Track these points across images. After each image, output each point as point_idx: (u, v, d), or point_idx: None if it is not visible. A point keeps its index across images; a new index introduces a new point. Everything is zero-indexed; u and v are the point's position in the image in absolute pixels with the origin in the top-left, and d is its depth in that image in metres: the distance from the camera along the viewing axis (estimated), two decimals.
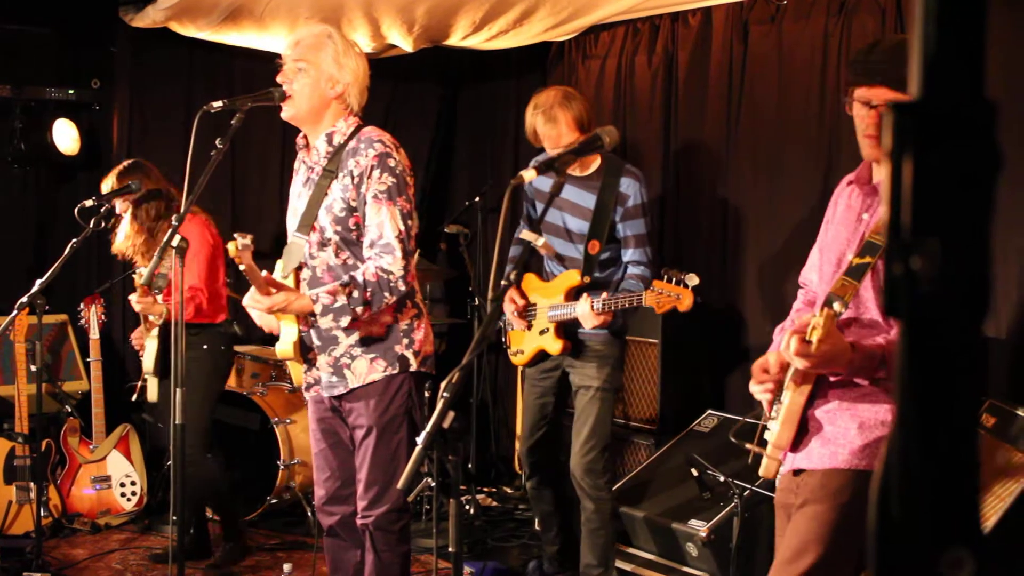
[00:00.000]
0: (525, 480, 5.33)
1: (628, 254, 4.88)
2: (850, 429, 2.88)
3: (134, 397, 6.07)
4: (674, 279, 4.35)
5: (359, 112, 4.01)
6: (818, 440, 2.93)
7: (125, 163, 5.58)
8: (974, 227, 0.70)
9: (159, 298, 5.42)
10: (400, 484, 2.57)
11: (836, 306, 2.74)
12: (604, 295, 4.68)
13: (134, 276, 5.30)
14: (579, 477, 4.98)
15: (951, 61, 0.73)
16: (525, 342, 5.09)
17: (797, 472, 3.00)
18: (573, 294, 4.87)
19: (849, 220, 3.01)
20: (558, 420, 5.21)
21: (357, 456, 4.01)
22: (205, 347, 5.47)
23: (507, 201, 4.15)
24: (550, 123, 4.75)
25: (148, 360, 5.62)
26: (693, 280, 4.32)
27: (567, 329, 4.93)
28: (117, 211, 5.41)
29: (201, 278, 5.37)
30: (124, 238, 5.40)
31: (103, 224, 5.31)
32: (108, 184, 5.45)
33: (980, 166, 0.71)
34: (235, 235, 3.60)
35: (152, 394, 5.74)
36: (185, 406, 5.39)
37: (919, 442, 0.72)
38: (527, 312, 5.04)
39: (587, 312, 4.65)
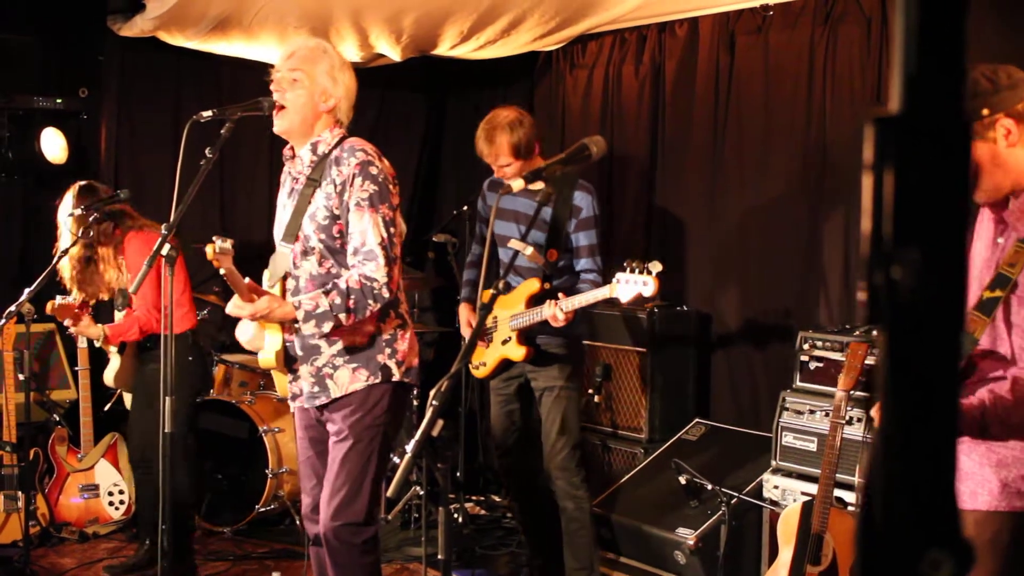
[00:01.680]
0: (506, 494, 5.36)
1: (580, 263, 5.00)
2: (987, 466, 2.74)
3: (107, 407, 6.07)
4: (636, 269, 4.40)
5: (346, 126, 4.02)
6: (957, 473, 2.80)
7: (81, 183, 5.56)
8: (952, 238, 0.72)
9: (120, 315, 5.44)
10: (390, 492, 2.58)
11: None
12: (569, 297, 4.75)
13: (55, 299, 5.30)
14: (555, 477, 5.03)
15: (931, 77, 0.75)
16: (487, 354, 5.13)
17: None
18: (534, 300, 4.93)
19: (988, 242, 2.87)
20: (526, 428, 5.26)
21: (328, 459, 4.01)
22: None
23: (494, 211, 4.18)
24: (487, 143, 4.99)
25: (109, 374, 5.63)
26: (656, 267, 4.38)
27: (527, 336, 4.99)
28: (69, 232, 5.38)
29: (146, 296, 5.34)
30: (69, 260, 5.38)
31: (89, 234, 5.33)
32: (65, 205, 5.44)
33: (958, 179, 0.73)
34: (214, 237, 3.59)
35: (128, 404, 5.76)
36: (142, 416, 5.44)
37: (900, 447, 0.74)
38: (486, 330, 5.09)
39: (553, 312, 4.70)
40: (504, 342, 5.02)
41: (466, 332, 5.13)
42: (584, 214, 4.96)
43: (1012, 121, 2.69)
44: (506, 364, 5.09)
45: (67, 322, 5.37)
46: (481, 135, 5.01)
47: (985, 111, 2.69)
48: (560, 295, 4.72)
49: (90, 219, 5.31)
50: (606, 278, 4.71)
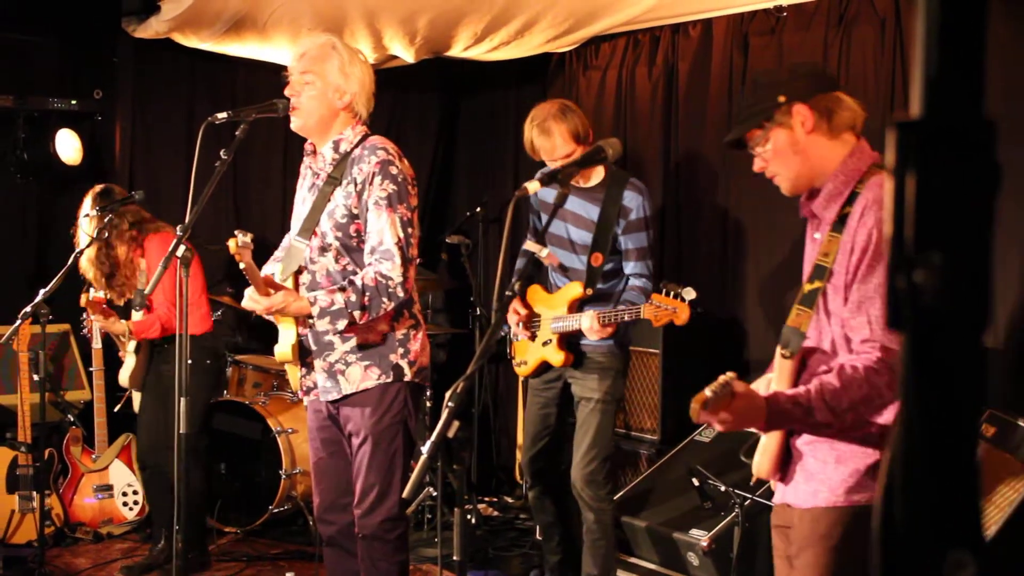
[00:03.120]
0: (527, 490, 5.35)
1: (629, 267, 4.91)
2: (828, 463, 2.76)
3: (117, 408, 6.09)
4: (672, 292, 4.37)
5: (367, 119, 4.04)
6: (802, 474, 2.83)
7: (98, 188, 5.62)
8: (975, 241, 0.73)
9: (138, 315, 5.47)
10: (405, 493, 2.58)
11: (708, 391, 2.56)
12: (606, 308, 4.72)
13: (89, 292, 5.35)
14: (580, 488, 4.99)
15: (952, 80, 0.75)
16: (528, 353, 5.11)
17: (789, 505, 2.92)
18: (576, 306, 4.90)
19: (810, 241, 2.94)
20: (560, 431, 5.23)
21: (353, 464, 4.02)
22: (190, 361, 5.48)
23: (510, 212, 4.17)
24: (544, 135, 4.82)
25: (124, 374, 5.66)
26: (690, 294, 4.35)
27: (569, 341, 4.96)
28: (85, 234, 5.44)
29: (166, 295, 5.39)
30: (88, 261, 5.43)
31: (106, 234, 5.38)
32: (84, 209, 5.51)
33: (980, 182, 0.73)
34: (236, 232, 3.62)
35: (136, 406, 5.78)
36: (159, 417, 5.46)
37: (922, 449, 0.74)
38: (531, 323, 5.07)
39: (591, 325, 4.68)
40: (545, 343, 5.00)
41: (512, 320, 5.08)
42: (634, 216, 4.86)
43: (807, 108, 2.76)
44: (547, 366, 5.07)
45: (95, 316, 5.42)
46: (533, 132, 4.85)
47: (781, 98, 2.77)
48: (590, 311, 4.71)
49: (104, 220, 5.34)
50: (655, 285, 4.68)
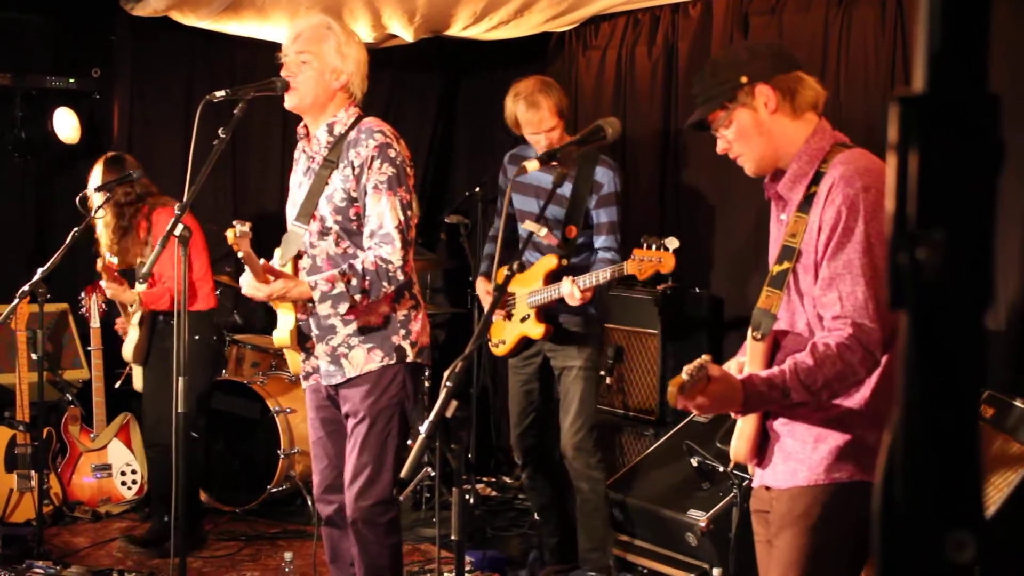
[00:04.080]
0: (520, 471, 5.37)
1: (600, 240, 4.97)
2: (807, 443, 2.75)
3: (118, 384, 6.09)
4: (653, 245, 4.40)
5: (360, 100, 4.02)
6: (780, 455, 2.82)
7: (109, 155, 5.62)
8: (978, 218, 0.72)
9: (142, 287, 5.47)
10: (404, 472, 2.57)
11: (684, 375, 2.55)
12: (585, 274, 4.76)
13: (105, 256, 5.36)
14: (571, 458, 5.03)
15: (955, 55, 0.74)
16: (506, 332, 5.13)
17: (768, 487, 2.92)
18: (552, 277, 4.92)
19: (776, 223, 2.95)
20: (546, 408, 5.26)
21: (348, 443, 4.02)
22: (197, 337, 5.48)
23: (509, 191, 4.17)
24: (532, 108, 4.89)
25: (128, 348, 5.66)
26: (674, 243, 4.38)
27: (547, 313, 4.98)
28: (97, 204, 5.43)
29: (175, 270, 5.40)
30: (104, 225, 5.43)
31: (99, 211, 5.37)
32: (95, 177, 5.50)
33: (984, 159, 0.73)
34: (234, 222, 3.61)
35: (137, 383, 5.77)
36: (164, 396, 5.46)
37: (923, 428, 0.74)
38: (505, 304, 5.10)
39: (571, 290, 4.69)
40: (523, 320, 5.02)
41: (487, 304, 5.11)
42: (605, 190, 4.93)
43: (769, 88, 2.78)
44: (526, 342, 5.09)
45: (107, 284, 5.40)
46: (520, 105, 4.91)
47: (744, 78, 2.79)
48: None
49: (104, 199, 5.33)
50: (624, 256, 4.71)
